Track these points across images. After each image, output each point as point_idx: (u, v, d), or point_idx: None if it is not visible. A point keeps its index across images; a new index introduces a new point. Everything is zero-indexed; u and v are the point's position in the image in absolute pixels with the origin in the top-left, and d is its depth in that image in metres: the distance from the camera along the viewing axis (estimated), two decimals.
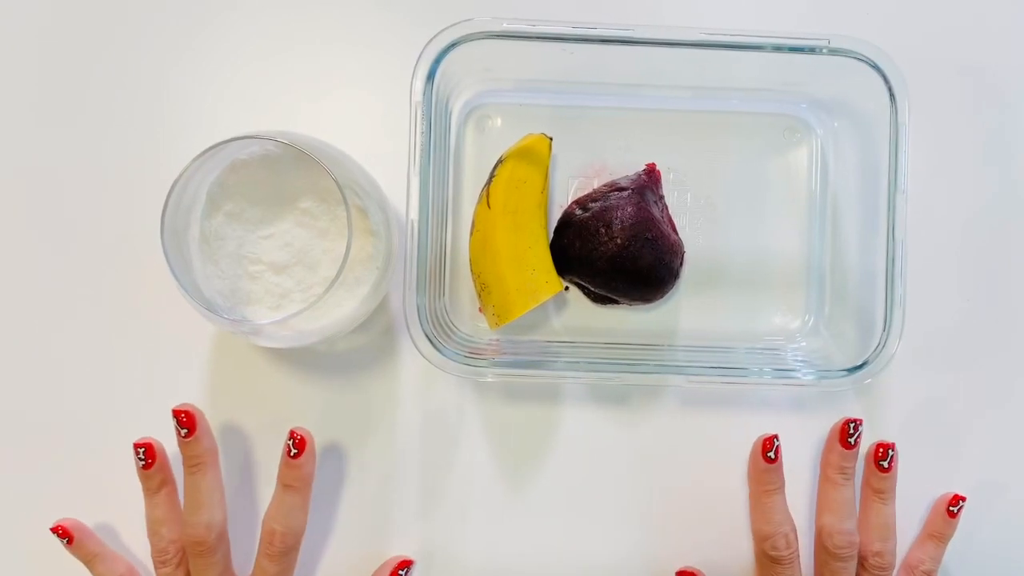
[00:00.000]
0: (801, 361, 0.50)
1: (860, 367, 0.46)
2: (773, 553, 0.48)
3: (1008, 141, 0.53)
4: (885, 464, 0.50)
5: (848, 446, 0.50)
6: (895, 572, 0.50)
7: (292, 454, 0.48)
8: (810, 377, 0.47)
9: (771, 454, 0.49)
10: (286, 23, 0.52)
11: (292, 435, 0.48)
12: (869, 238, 0.48)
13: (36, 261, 0.51)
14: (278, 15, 0.52)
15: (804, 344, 0.52)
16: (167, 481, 0.49)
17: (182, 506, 0.48)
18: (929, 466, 0.52)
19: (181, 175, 0.40)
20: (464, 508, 0.51)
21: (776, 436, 0.49)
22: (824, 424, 0.51)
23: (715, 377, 0.47)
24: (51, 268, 0.51)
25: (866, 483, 0.50)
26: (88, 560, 0.48)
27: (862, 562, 0.49)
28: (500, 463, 0.51)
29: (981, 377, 0.52)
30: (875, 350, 0.46)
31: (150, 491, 0.48)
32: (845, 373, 0.46)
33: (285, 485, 0.48)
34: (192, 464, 0.48)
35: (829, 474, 0.50)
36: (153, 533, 0.48)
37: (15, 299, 0.51)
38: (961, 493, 0.50)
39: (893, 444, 0.50)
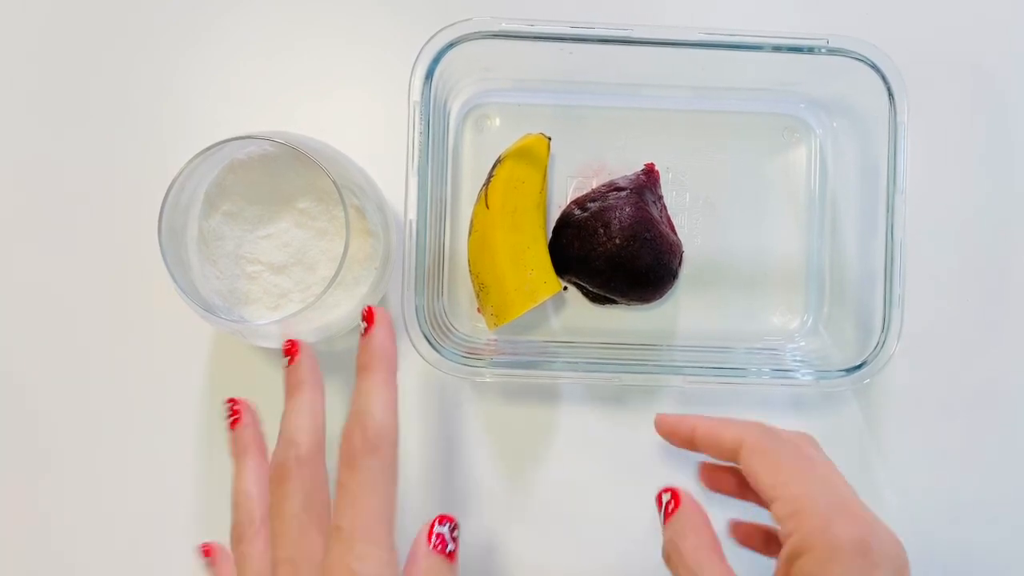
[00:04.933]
0: (800, 361, 0.50)
1: (859, 367, 0.46)
2: None
3: (1008, 141, 0.53)
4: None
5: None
6: None
7: (363, 330, 0.38)
8: (809, 377, 0.47)
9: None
10: (286, 23, 0.52)
11: (367, 312, 0.39)
12: (868, 238, 0.48)
13: (34, 260, 0.51)
14: (278, 15, 0.52)
15: (803, 344, 0.51)
16: (262, 447, 0.43)
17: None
18: (928, 467, 0.52)
19: (179, 175, 0.40)
20: (463, 508, 0.51)
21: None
22: (824, 424, 0.51)
23: (713, 377, 0.47)
24: (49, 267, 0.51)
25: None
26: None
27: None
28: (498, 463, 0.51)
29: (980, 377, 0.52)
30: (874, 350, 0.46)
31: (244, 453, 0.42)
32: (844, 373, 0.46)
33: (363, 367, 0.38)
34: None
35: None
36: (244, 492, 0.41)
37: (12, 299, 0.51)
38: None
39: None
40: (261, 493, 0.41)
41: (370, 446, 0.36)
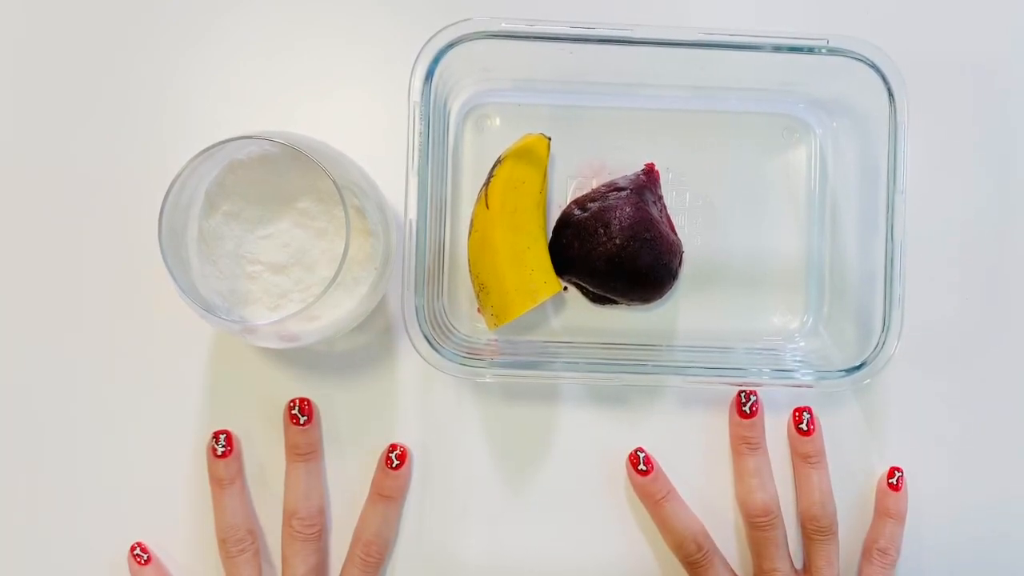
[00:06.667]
0: (800, 361, 0.50)
1: (859, 367, 0.46)
2: (688, 560, 0.49)
3: (1008, 140, 0.53)
4: (804, 427, 0.50)
5: (744, 415, 0.50)
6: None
7: (394, 465, 0.49)
8: (809, 377, 0.47)
9: (642, 467, 0.50)
10: (286, 23, 0.52)
11: (394, 447, 0.49)
12: (868, 238, 0.48)
13: (34, 260, 0.51)
14: (278, 15, 0.52)
15: (803, 344, 0.51)
16: (241, 471, 0.50)
17: (284, 493, 0.49)
18: (928, 466, 0.52)
19: (179, 175, 0.40)
20: (463, 508, 0.51)
21: (640, 448, 0.50)
22: (824, 424, 0.51)
23: (714, 377, 0.47)
24: (49, 267, 0.51)
25: (794, 451, 0.51)
26: None
27: (803, 529, 0.50)
28: (499, 463, 0.51)
29: (980, 377, 0.52)
30: (874, 350, 0.46)
31: (226, 481, 0.49)
32: (844, 373, 0.46)
33: (381, 495, 0.49)
34: (306, 452, 0.49)
35: (734, 446, 0.51)
36: (228, 524, 0.48)
37: (12, 299, 0.51)
38: (898, 465, 0.51)
39: (810, 408, 0.50)
40: (245, 516, 0.49)
41: (380, 558, 0.49)
